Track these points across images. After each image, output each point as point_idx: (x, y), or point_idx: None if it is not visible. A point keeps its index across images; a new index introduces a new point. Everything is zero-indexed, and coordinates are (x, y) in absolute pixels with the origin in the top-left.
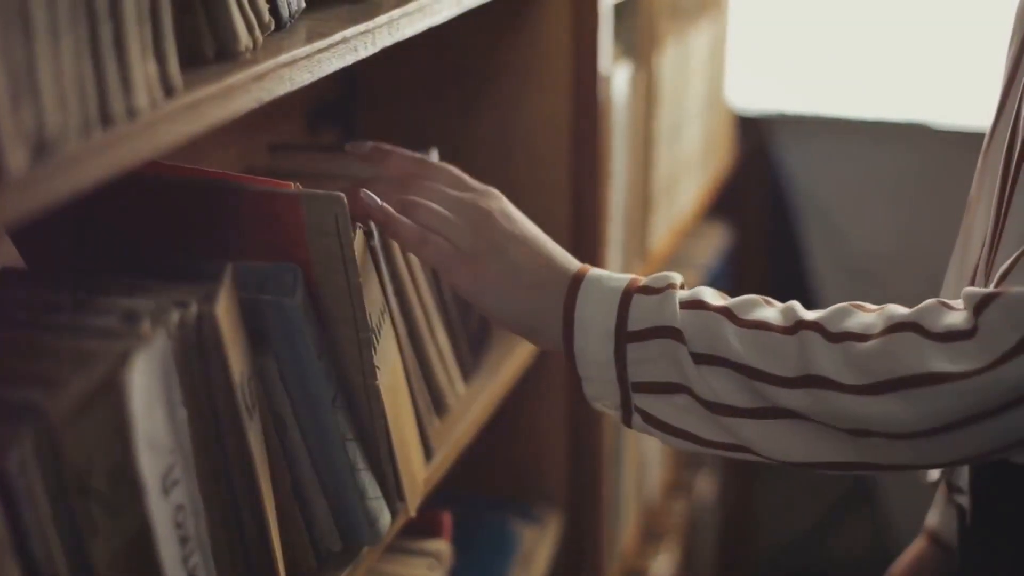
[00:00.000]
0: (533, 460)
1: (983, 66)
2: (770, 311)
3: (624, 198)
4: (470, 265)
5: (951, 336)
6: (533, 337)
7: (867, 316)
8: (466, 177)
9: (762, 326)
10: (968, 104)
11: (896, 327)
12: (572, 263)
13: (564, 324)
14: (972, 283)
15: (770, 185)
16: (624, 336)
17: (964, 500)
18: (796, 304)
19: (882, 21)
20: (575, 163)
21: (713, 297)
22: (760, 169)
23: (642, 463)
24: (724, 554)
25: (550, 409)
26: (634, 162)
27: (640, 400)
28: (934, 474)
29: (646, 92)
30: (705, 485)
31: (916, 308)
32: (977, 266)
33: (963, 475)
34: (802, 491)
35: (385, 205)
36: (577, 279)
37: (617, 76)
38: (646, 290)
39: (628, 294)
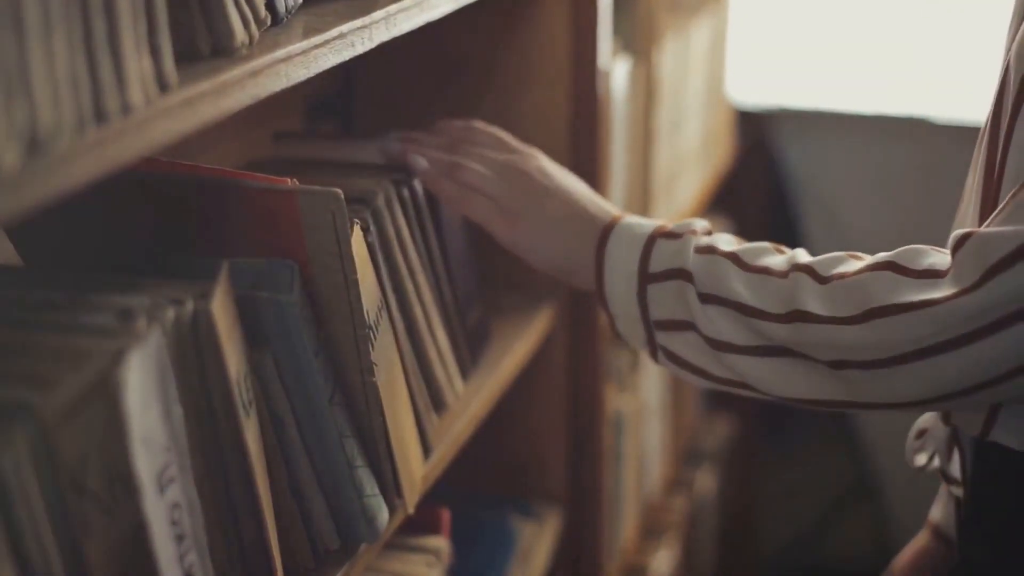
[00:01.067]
0: (533, 457)
1: (983, 60)
2: (775, 258)
3: (624, 193)
4: (509, 219)
5: (928, 274)
6: (569, 279)
7: (858, 263)
8: (508, 139)
9: (764, 271)
10: (969, 98)
11: (876, 266)
12: (607, 212)
13: (596, 266)
14: None
15: (770, 180)
16: (646, 277)
17: (958, 490)
18: (801, 252)
19: (882, 15)
20: (574, 158)
21: (727, 243)
22: (760, 164)
23: (642, 460)
24: (724, 551)
25: (550, 406)
26: (634, 157)
27: (661, 337)
28: (920, 459)
29: (646, 87)
30: (705, 481)
31: (899, 249)
32: None
33: (956, 465)
34: (802, 487)
35: (428, 167)
36: (610, 226)
37: (616, 71)
38: (669, 235)
39: (652, 239)
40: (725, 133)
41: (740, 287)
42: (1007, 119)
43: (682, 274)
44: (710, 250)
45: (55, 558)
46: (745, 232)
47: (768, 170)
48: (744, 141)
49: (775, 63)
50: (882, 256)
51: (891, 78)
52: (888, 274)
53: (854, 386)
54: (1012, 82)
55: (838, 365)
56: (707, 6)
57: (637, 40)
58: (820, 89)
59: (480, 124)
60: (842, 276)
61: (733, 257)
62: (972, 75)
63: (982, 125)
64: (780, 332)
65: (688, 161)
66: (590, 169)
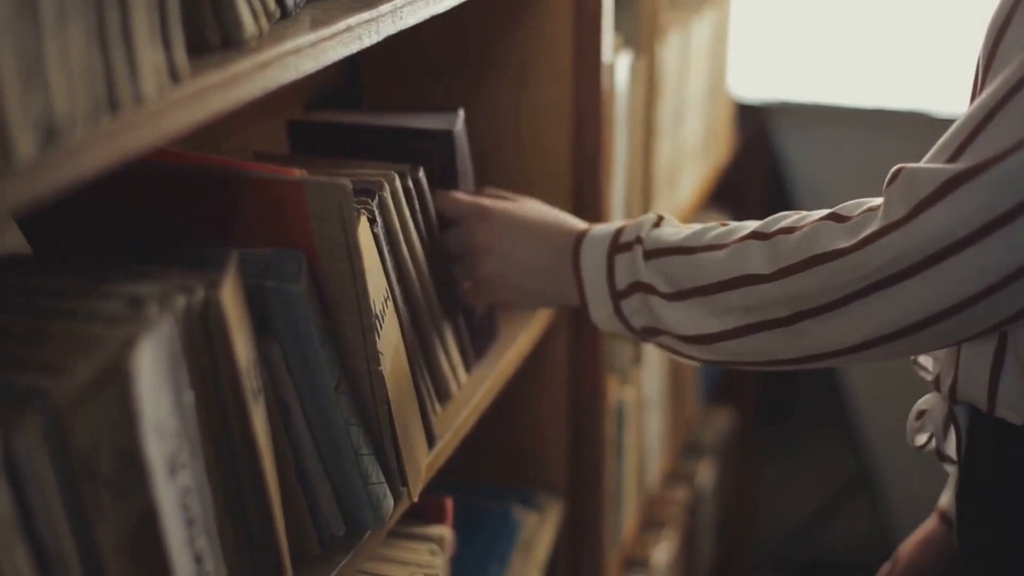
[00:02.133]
0: (535, 448)
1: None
2: (719, 231)
3: (625, 186)
4: (483, 291)
5: (863, 217)
6: (563, 307)
7: (801, 217)
8: (457, 203)
9: (710, 247)
10: (967, 92)
11: (818, 219)
12: (568, 237)
13: (580, 298)
14: None
15: (770, 173)
16: (615, 295)
17: (953, 469)
18: (747, 223)
19: (882, 9)
20: (577, 151)
21: (674, 234)
22: (761, 157)
23: (643, 452)
24: (724, 542)
25: (552, 397)
26: (636, 151)
27: (649, 340)
28: (920, 439)
29: (648, 81)
30: (705, 473)
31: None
32: None
33: (952, 445)
34: (802, 479)
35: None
36: (576, 250)
37: (619, 65)
38: (622, 248)
39: (611, 256)
40: (726, 127)
41: (692, 273)
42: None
43: (641, 287)
44: (657, 253)
45: (68, 542)
46: None
47: (768, 163)
48: (744, 135)
49: (776, 57)
50: (825, 211)
51: (890, 72)
52: (828, 223)
53: (808, 338)
54: (980, 74)
55: (792, 320)
56: (708, 1)
57: (639, 35)
58: (820, 83)
59: (460, 121)
60: (787, 231)
61: (680, 249)
62: (970, 68)
63: None
64: (733, 299)
65: (689, 155)
66: (593, 163)
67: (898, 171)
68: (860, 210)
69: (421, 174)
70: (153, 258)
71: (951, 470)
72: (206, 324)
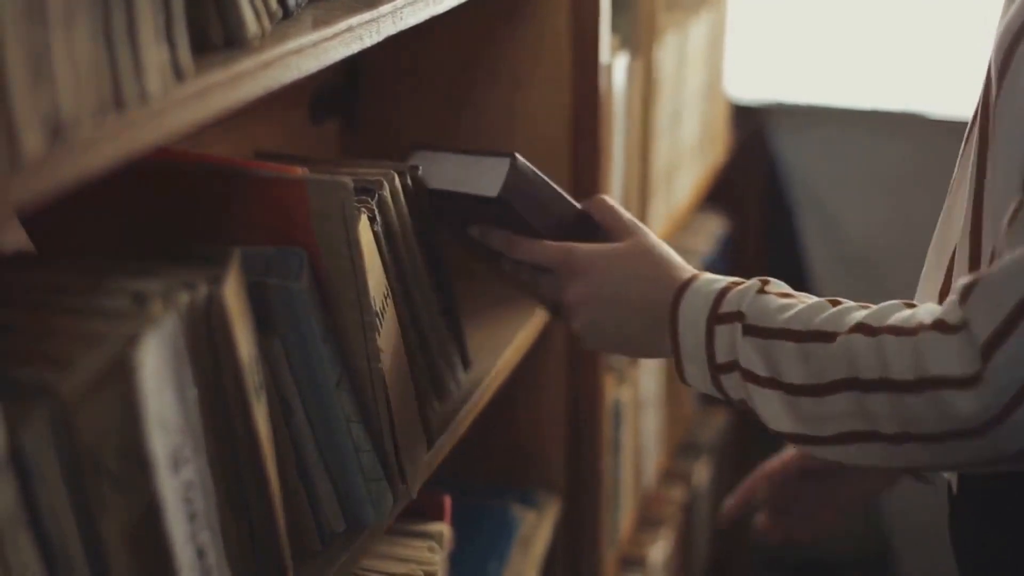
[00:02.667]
0: (533, 446)
1: (976, 55)
2: (828, 314)
3: (623, 186)
4: (582, 341)
5: (971, 336)
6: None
7: (911, 315)
8: (544, 254)
9: (819, 336)
10: (962, 94)
11: (926, 326)
12: (662, 307)
13: (676, 361)
14: (951, 265)
15: (766, 174)
16: (715, 368)
17: (952, 474)
18: (855, 306)
19: (877, 11)
20: (575, 152)
21: (777, 310)
22: (757, 158)
23: (640, 451)
24: (720, 541)
25: (550, 396)
26: (633, 151)
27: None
28: None
29: (645, 82)
30: (702, 473)
31: (947, 304)
32: (956, 248)
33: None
34: None
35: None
36: (675, 311)
37: (616, 66)
38: (722, 319)
39: (711, 326)
40: (722, 128)
41: (795, 367)
42: (992, 111)
43: (740, 368)
44: (759, 332)
45: (73, 534)
46: (741, 226)
47: (764, 164)
48: (740, 135)
49: (772, 59)
50: (927, 314)
51: (885, 74)
52: (935, 336)
53: (914, 456)
54: (994, 77)
55: (899, 439)
56: (706, 3)
57: (636, 36)
58: (816, 84)
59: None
60: (894, 331)
61: (785, 334)
62: (965, 70)
63: (968, 121)
64: (840, 403)
65: (686, 155)
66: (591, 163)
67: (971, 284)
68: (959, 314)
69: (420, 173)
70: (156, 256)
71: (950, 475)
72: (209, 321)
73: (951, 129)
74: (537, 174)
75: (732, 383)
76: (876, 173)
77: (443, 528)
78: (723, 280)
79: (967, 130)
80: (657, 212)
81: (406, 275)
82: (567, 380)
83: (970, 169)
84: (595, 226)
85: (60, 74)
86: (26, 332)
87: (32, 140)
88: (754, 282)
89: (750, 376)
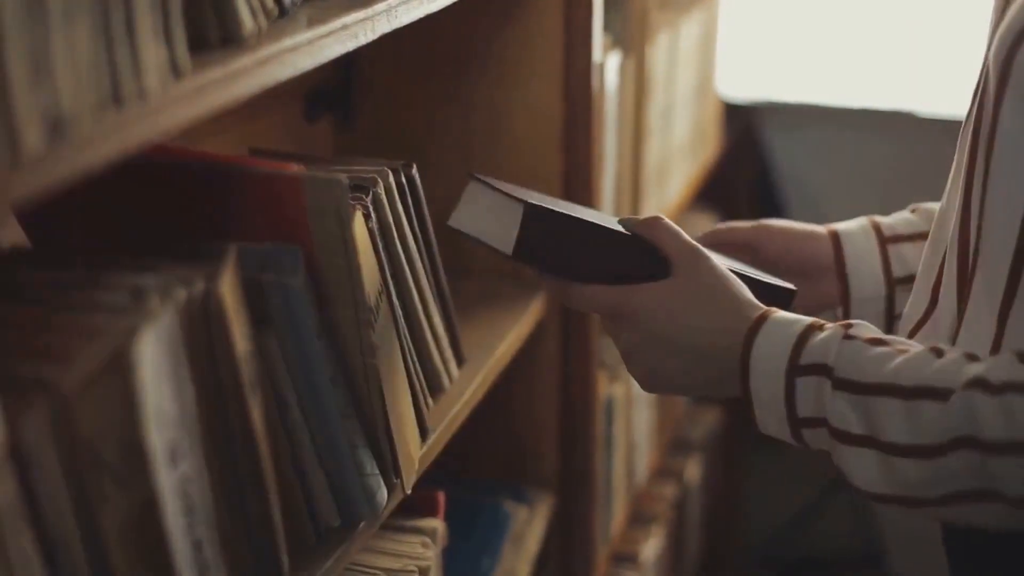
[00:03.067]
0: (526, 442)
1: (968, 54)
2: (936, 366)
3: (615, 185)
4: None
5: None
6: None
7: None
8: (593, 301)
9: (929, 393)
10: (953, 92)
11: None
12: (730, 355)
13: (748, 409)
14: (942, 265)
15: (758, 172)
16: (796, 422)
17: None
18: (965, 359)
19: (868, 10)
20: (568, 150)
21: (870, 360)
22: (748, 157)
23: (632, 447)
24: (712, 538)
25: (543, 392)
26: (625, 150)
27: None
28: None
29: (637, 81)
30: (693, 470)
31: None
32: (947, 249)
33: None
34: (788, 476)
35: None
36: (744, 373)
37: (608, 65)
38: (804, 370)
39: (791, 379)
40: (714, 126)
41: (899, 427)
42: (989, 113)
43: (828, 426)
44: (853, 387)
45: (72, 528)
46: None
47: (755, 162)
48: (732, 134)
49: (763, 58)
50: None
51: (876, 72)
52: None
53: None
54: (993, 80)
55: (1022, 502)
56: (697, 2)
57: (629, 35)
58: (807, 83)
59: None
60: (1018, 388)
61: (886, 389)
62: (956, 69)
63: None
64: (952, 464)
65: (677, 154)
66: (583, 162)
67: None
68: None
69: (414, 171)
70: (152, 252)
71: None
72: (206, 316)
73: (942, 128)
74: (559, 214)
75: (816, 438)
76: (867, 171)
77: (437, 524)
78: (798, 322)
79: (961, 131)
80: (649, 210)
81: (400, 272)
82: (560, 377)
83: (963, 171)
84: (650, 250)
85: (60, 71)
86: (25, 327)
87: (32, 136)
88: (837, 327)
89: (841, 435)
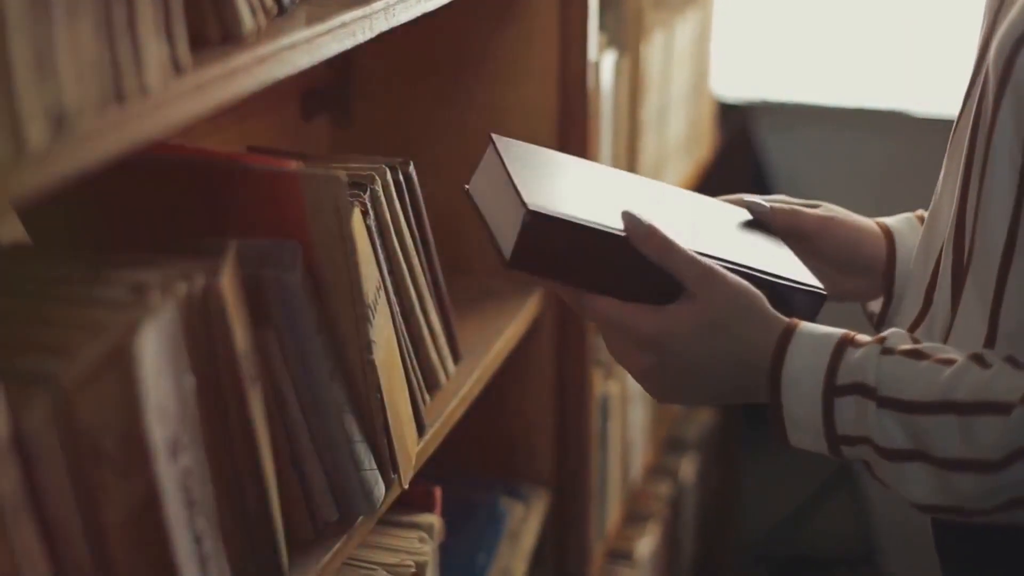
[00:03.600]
0: (522, 440)
1: (961, 54)
2: (979, 377)
3: None
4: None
5: None
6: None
7: None
8: (641, 321)
9: (986, 408)
10: (947, 92)
11: None
12: (755, 373)
13: (777, 425)
14: (938, 264)
15: (752, 172)
16: (835, 440)
17: None
18: (1007, 368)
19: (862, 10)
20: (563, 149)
21: (912, 376)
22: (742, 156)
23: (627, 445)
24: (707, 536)
25: (539, 390)
26: (620, 149)
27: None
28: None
29: (632, 79)
30: (688, 468)
31: None
32: (943, 248)
33: None
34: (784, 474)
35: None
36: (775, 393)
37: (604, 64)
38: (842, 391)
39: (828, 399)
40: (708, 126)
41: (953, 442)
42: (988, 115)
43: (873, 444)
44: (899, 406)
45: (74, 520)
46: None
47: (750, 162)
48: (726, 133)
49: (758, 57)
50: None
51: (871, 72)
52: None
53: None
54: (993, 82)
55: None
56: (692, 1)
57: (624, 34)
58: (801, 82)
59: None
60: None
61: (936, 407)
62: (950, 69)
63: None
64: (1013, 475)
65: (672, 153)
66: None
67: None
68: None
69: (411, 169)
70: (152, 248)
71: None
72: (206, 311)
73: (936, 127)
74: (566, 222)
75: (856, 453)
76: (861, 170)
77: (433, 519)
78: (829, 337)
79: (952, 130)
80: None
81: (398, 269)
82: (555, 374)
83: (959, 172)
84: None
85: (63, 67)
86: (27, 321)
87: (36, 132)
88: (873, 344)
89: (887, 452)
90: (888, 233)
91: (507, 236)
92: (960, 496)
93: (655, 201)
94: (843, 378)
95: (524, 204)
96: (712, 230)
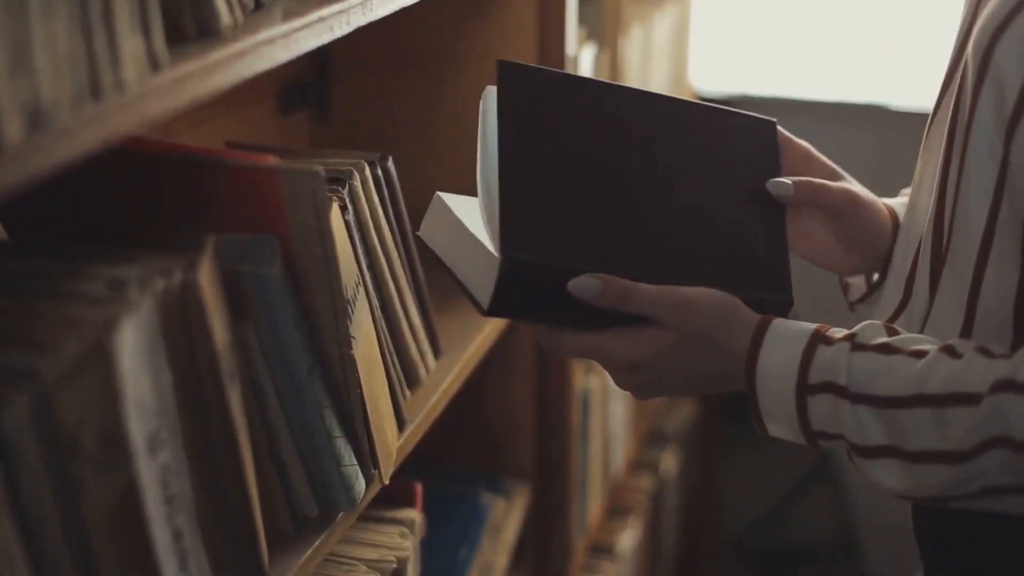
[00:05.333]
0: (503, 434)
1: (940, 48)
2: (949, 368)
3: None
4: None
5: None
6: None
7: None
8: (622, 352)
9: (957, 399)
10: (926, 86)
11: None
12: (735, 372)
13: (756, 418)
14: (917, 254)
15: None
16: (811, 435)
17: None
18: (980, 358)
19: (841, 4)
20: None
21: (882, 371)
22: None
23: (608, 439)
24: (688, 530)
25: (519, 384)
26: None
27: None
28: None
29: (611, 73)
30: (670, 462)
31: None
32: (922, 238)
33: None
34: (765, 468)
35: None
36: (751, 384)
37: (582, 58)
38: (814, 389)
39: (801, 397)
40: None
41: (928, 435)
42: (967, 107)
43: (847, 441)
44: (872, 401)
45: (53, 516)
46: None
47: None
48: None
49: (736, 51)
50: None
51: (850, 66)
52: None
53: None
54: (972, 73)
55: None
56: None
57: (603, 28)
58: (780, 76)
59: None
60: None
61: (907, 401)
62: (929, 63)
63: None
64: (985, 465)
65: None
66: None
67: None
68: None
69: (390, 164)
70: (130, 244)
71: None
72: (184, 306)
73: (915, 121)
74: (548, 267)
75: (833, 444)
76: (841, 164)
77: (415, 514)
78: (801, 334)
79: (928, 123)
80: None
81: (377, 263)
82: (536, 369)
83: (938, 163)
84: None
85: (39, 62)
86: (5, 317)
87: (12, 128)
88: (844, 340)
89: (860, 449)
90: (893, 216)
91: (480, 285)
92: (934, 487)
93: (644, 162)
94: (815, 376)
95: (499, 257)
96: (696, 217)
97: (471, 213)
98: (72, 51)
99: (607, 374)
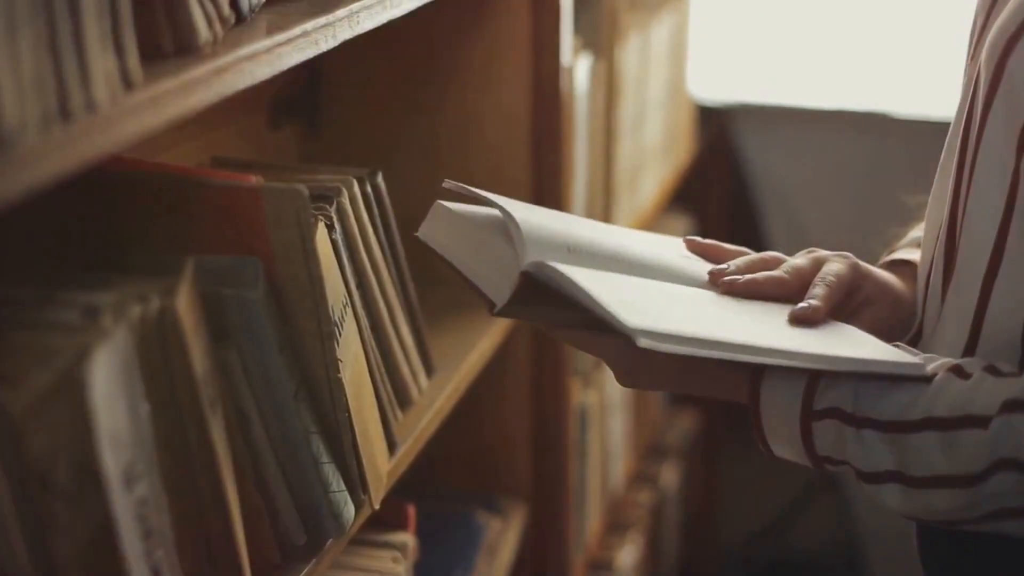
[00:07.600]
0: (498, 452)
1: (942, 55)
2: (957, 389)
3: (586, 189)
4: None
5: None
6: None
7: None
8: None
9: (964, 422)
10: (926, 93)
11: None
12: (736, 386)
13: (759, 434)
14: (931, 268)
15: (731, 175)
16: (816, 459)
17: None
18: (986, 377)
19: (841, 11)
20: (537, 154)
21: (896, 398)
22: (721, 159)
23: (606, 454)
24: (689, 544)
25: (515, 401)
26: (596, 153)
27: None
28: None
29: (607, 83)
30: (669, 475)
31: None
32: (934, 252)
33: None
34: (766, 480)
35: None
36: (755, 405)
37: (578, 68)
38: (819, 415)
39: (807, 423)
40: (686, 129)
41: (935, 460)
42: (978, 117)
43: (853, 467)
44: (878, 426)
45: (21, 551)
46: (707, 227)
47: (729, 166)
48: (705, 137)
49: (736, 59)
50: None
51: (850, 73)
52: None
53: None
54: (985, 82)
55: None
56: (668, 3)
57: (599, 37)
58: (781, 84)
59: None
60: None
61: (912, 426)
62: (930, 70)
63: (946, 121)
64: (993, 486)
65: (650, 157)
66: (553, 166)
67: None
68: None
69: (379, 179)
70: (109, 265)
71: None
72: (162, 333)
73: (916, 128)
74: (561, 277)
75: (840, 470)
76: (841, 173)
77: (407, 538)
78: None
79: (949, 138)
80: (621, 214)
81: (367, 282)
82: (532, 385)
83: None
84: None
85: (3, 85)
86: None
87: None
88: None
89: (865, 476)
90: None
91: (495, 285)
92: (940, 511)
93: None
94: (820, 403)
95: (521, 270)
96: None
97: (480, 218)
98: (38, 72)
99: (604, 389)
